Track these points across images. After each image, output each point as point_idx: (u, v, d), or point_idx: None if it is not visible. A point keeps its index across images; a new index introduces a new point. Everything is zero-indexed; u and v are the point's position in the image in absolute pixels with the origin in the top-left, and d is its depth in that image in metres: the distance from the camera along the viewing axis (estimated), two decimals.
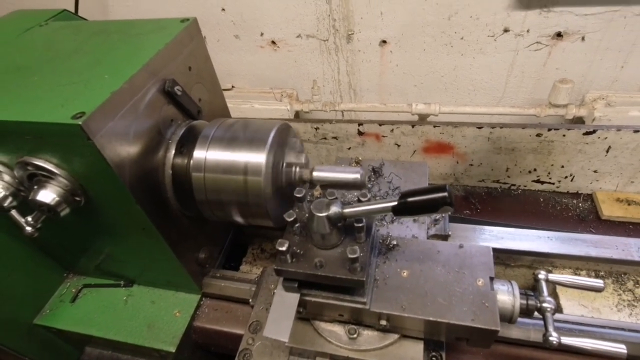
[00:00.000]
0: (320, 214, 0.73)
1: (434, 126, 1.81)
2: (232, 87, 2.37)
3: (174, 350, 1.09)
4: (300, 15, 2.06)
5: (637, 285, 1.11)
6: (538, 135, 1.68)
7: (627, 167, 1.69)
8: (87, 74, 0.86)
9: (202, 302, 1.19)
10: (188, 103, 1.04)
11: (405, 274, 0.84)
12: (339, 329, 0.87)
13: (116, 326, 1.16)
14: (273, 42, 2.23)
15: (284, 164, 0.99)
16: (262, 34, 2.20)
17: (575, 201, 1.84)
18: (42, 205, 0.87)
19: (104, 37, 1.00)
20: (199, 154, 0.98)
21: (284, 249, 0.73)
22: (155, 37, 0.97)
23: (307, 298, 0.81)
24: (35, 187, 0.87)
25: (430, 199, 0.65)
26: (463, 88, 2.14)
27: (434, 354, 0.88)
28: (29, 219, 0.92)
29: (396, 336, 0.84)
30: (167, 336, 1.12)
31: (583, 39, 1.83)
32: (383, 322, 0.80)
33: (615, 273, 1.14)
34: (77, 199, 0.91)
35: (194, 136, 1.04)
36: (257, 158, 0.92)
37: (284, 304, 0.78)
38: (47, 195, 0.86)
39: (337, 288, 0.80)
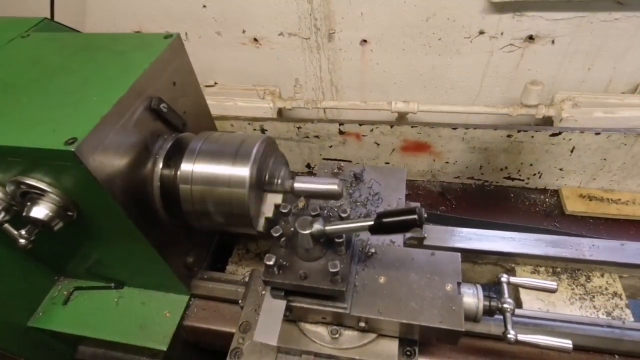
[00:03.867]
0: (304, 232, 0.79)
1: (412, 126, 1.88)
2: (215, 83, 2.38)
3: (165, 349, 1.15)
4: (282, 14, 2.08)
5: (588, 280, 1.23)
6: (509, 136, 1.78)
7: (589, 165, 1.81)
8: (76, 96, 0.89)
9: (191, 303, 1.25)
10: (173, 118, 1.08)
11: (382, 280, 0.92)
12: (322, 330, 0.95)
13: (109, 327, 1.22)
14: (255, 40, 2.24)
15: (267, 176, 1.04)
16: (244, 31, 2.21)
17: (542, 197, 1.97)
18: (36, 221, 0.90)
19: (89, 53, 1.02)
20: (186, 166, 1.02)
21: (271, 263, 0.80)
22: (141, 55, 0.99)
23: (293, 304, 0.88)
24: (29, 203, 0.90)
25: (402, 220, 0.72)
26: (441, 87, 2.22)
27: (408, 349, 0.97)
28: (23, 232, 0.95)
29: (374, 335, 0.93)
30: (159, 335, 1.18)
31: (553, 42, 1.91)
32: (362, 324, 0.89)
33: (570, 269, 1.26)
34: (70, 213, 0.94)
35: (180, 149, 1.08)
36: (242, 171, 0.98)
37: (272, 310, 0.85)
38: (41, 211, 0.89)
39: (321, 295, 0.87)
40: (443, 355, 1.05)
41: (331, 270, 0.76)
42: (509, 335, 0.87)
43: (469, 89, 2.20)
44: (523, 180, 1.96)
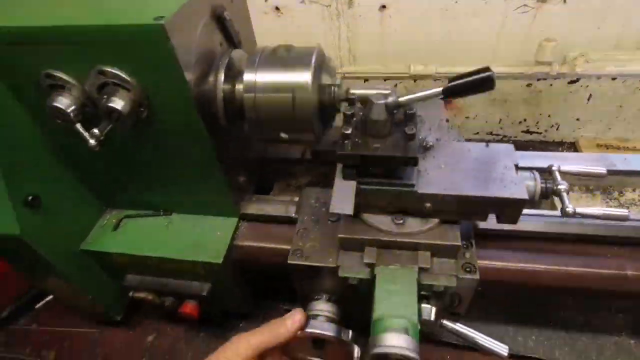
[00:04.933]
0: (379, 102, 0.84)
1: (434, 80, 1.96)
2: None
3: (220, 261, 1.17)
4: None
5: (621, 195, 1.30)
6: (528, 85, 1.86)
7: (605, 114, 1.90)
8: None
9: (240, 225, 1.29)
10: (233, 30, 1.14)
11: (443, 166, 0.97)
12: (386, 219, 0.99)
13: (162, 246, 1.24)
14: (277, 9, 2.31)
15: (323, 83, 1.10)
16: (266, 0, 2.28)
17: (560, 149, 2.05)
18: (113, 112, 0.94)
19: None
20: (249, 76, 1.07)
21: (348, 132, 0.85)
22: None
23: (363, 186, 0.93)
24: (105, 96, 0.94)
25: (477, 79, 0.78)
26: (457, 50, 2.30)
27: (464, 242, 1.02)
28: (95, 131, 0.99)
29: (436, 221, 0.97)
30: (212, 251, 1.20)
31: (565, 1, 2.02)
32: (427, 204, 0.93)
33: (602, 187, 1.32)
34: (142, 109, 0.98)
35: (238, 62, 1.14)
36: (304, 77, 1.03)
37: (345, 187, 0.89)
38: (119, 102, 0.93)
39: (389, 175, 0.92)
40: (496, 248, 1.10)
41: (408, 132, 0.81)
42: (567, 209, 0.92)
43: (484, 52, 2.29)
44: (541, 133, 2.04)
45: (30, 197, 1.07)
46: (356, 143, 0.89)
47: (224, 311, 1.48)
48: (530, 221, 1.13)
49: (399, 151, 0.85)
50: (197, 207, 1.30)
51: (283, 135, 1.12)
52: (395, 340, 0.81)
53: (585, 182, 1.33)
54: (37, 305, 1.65)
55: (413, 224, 0.98)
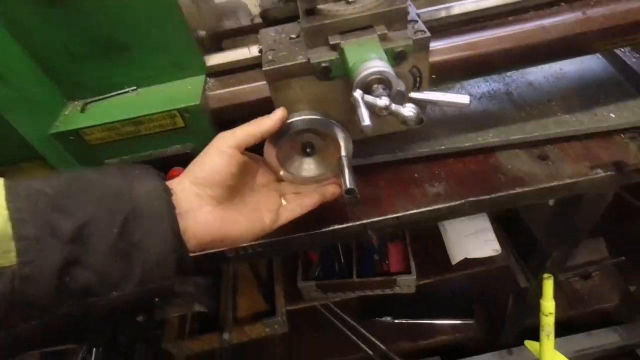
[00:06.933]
0: None
1: None
2: None
3: (199, 102, 1.22)
4: None
5: None
6: None
7: None
8: None
9: (208, 80, 1.33)
10: None
11: None
12: (339, 4, 1.10)
13: (135, 109, 1.25)
14: None
15: None
16: None
17: None
18: None
19: None
20: None
21: None
22: None
23: None
24: None
25: None
26: None
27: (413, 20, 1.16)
28: None
29: None
30: (188, 98, 1.24)
31: None
32: None
33: None
34: None
35: None
36: None
37: None
38: None
39: None
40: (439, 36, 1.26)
41: None
42: None
43: None
44: None
45: None
46: None
47: None
48: (459, 5, 1.30)
49: None
50: (161, 73, 1.32)
51: None
52: (372, 63, 0.92)
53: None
54: None
55: (364, 1, 1.09)
